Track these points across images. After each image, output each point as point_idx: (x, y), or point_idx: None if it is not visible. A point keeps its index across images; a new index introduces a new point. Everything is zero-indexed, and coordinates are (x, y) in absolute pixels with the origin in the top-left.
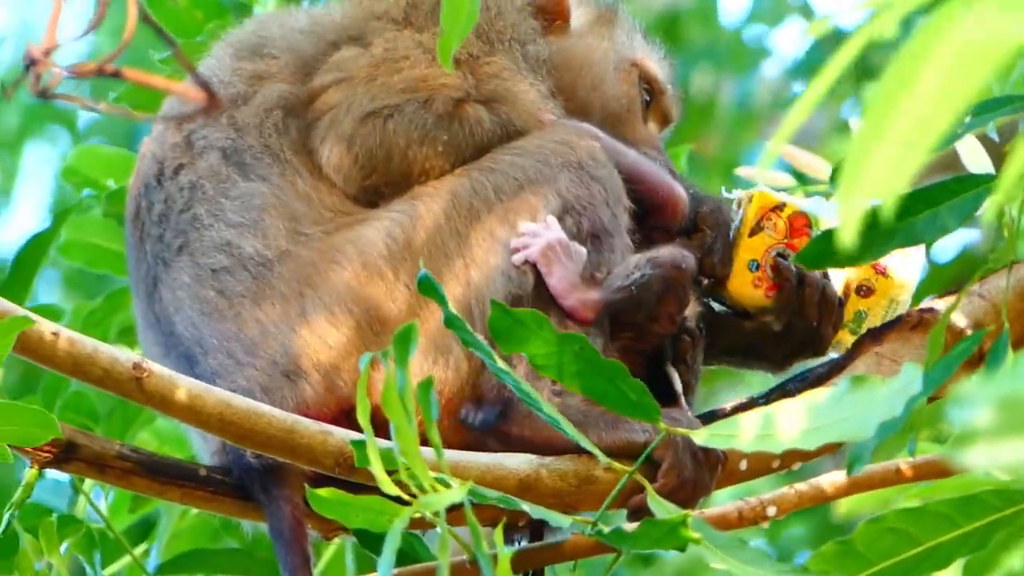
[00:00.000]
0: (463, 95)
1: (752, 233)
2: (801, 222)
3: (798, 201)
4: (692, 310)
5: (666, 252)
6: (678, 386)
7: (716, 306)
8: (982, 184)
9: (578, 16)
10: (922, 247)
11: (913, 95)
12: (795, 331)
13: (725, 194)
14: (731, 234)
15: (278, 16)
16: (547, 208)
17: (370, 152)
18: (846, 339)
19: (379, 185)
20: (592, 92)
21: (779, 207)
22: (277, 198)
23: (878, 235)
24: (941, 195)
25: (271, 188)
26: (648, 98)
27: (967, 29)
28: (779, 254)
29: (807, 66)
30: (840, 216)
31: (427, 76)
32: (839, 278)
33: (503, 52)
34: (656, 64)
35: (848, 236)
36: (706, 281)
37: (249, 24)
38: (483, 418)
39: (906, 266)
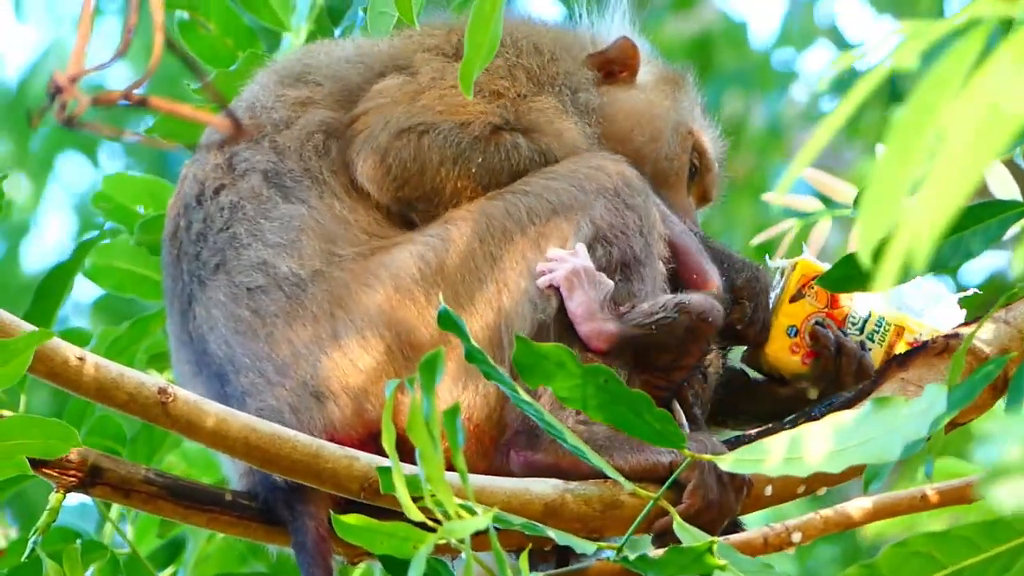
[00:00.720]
0: (502, 123)
1: (793, 299)
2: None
3: None
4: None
5: (696, 300)
6: (681, 419)
7: (751, 372)
8: (1008, 210)
9: (645, 72)
10: (950, 298)
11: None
12: (861, 398)
13: (769, 263)
14: (772, 300)
15: (325, 45)
16: (579, 235)
17: (404, 164)
18: None
19: (411, 198)
20: (648, 144)
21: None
22: (315, 220)
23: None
24: (967, 220)
25: (309, 210)
26: (694, 170)
27: (990, 89)
28: (818, 323)
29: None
30: (860, 240)
31: (468, 103)
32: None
33: (552, 95)
34: (710, 139)
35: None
36: (744, 348)
37: (296, 53)
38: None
39: (937, 314)
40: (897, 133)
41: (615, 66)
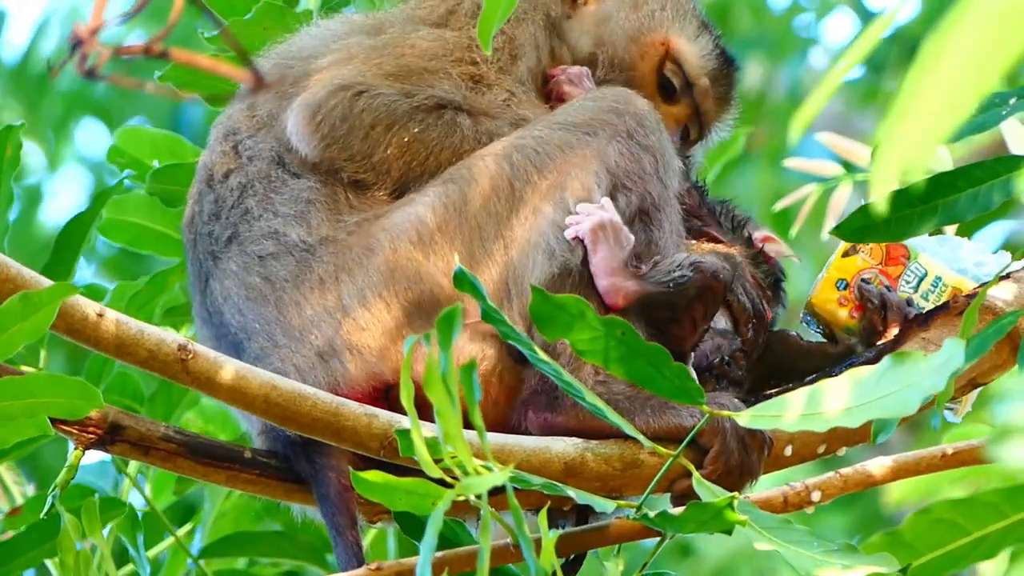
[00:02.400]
0: (447, 101)
1: (846, 254)
2: (899, 252)
3: None
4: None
5: (709, 260)
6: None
7: (808, 330)
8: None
9: None
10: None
11: (943, 64)
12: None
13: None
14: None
15: (320, 26)
16: (597, 184)
17: (332, 123)
18: None
19: (337, 159)
20: (605, 56)
21: None
22: (323, 193)
23: (920, 212)
24: (984, 175)
25: (317, 183)
26: (673, 88)
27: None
28: (864, 280)
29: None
30: (874, 186)
31: (422, 69)
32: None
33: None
34: (696, 49)
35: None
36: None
37: (295, 37)
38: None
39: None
40: (909, 77)
41: None
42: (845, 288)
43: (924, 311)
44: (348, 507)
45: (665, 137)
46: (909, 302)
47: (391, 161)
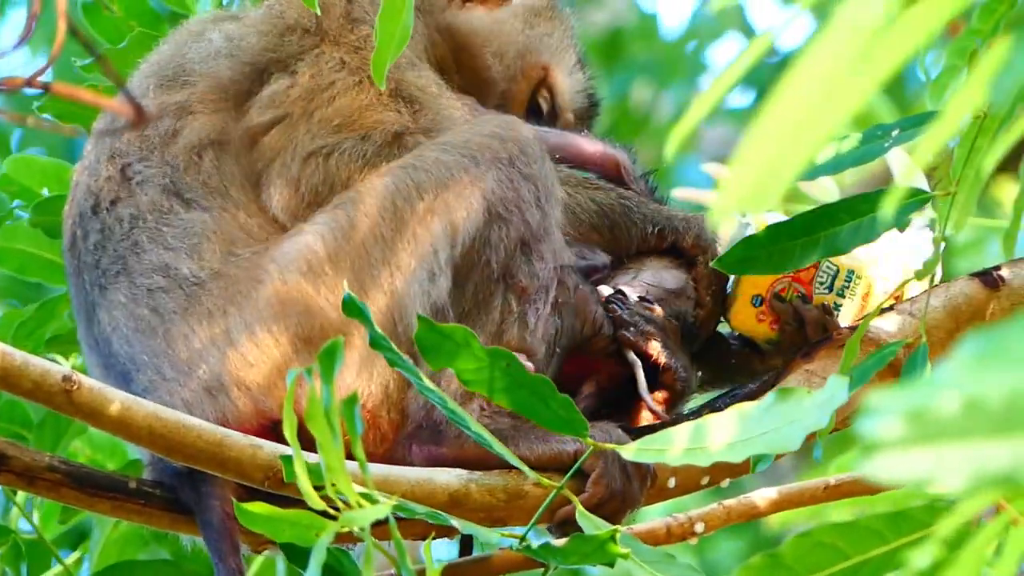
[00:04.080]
0: (402, 129)
1: None
2: None
3: None
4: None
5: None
6: (639, 375)
7: (733, 343)
8: (910, 198)
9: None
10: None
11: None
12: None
13: (739, 219)
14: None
15: (195, 36)
16: (470, 212)
17: (315, 189)
18: None
19: None
20: (490, 63)
21: None
22: (218, 225)
23: (802, 244)
24: (866, 206)
25: (212, 217)
26: (542, 112)
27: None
28: (776, 296)
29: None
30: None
31: (360, 107)
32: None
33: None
34: (569, 85)
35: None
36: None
37: (169, 46)
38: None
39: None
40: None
41: None
42: (761, 304)
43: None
44: (231, 535)
45: (548, 166)
46: (825, 308)
47: None
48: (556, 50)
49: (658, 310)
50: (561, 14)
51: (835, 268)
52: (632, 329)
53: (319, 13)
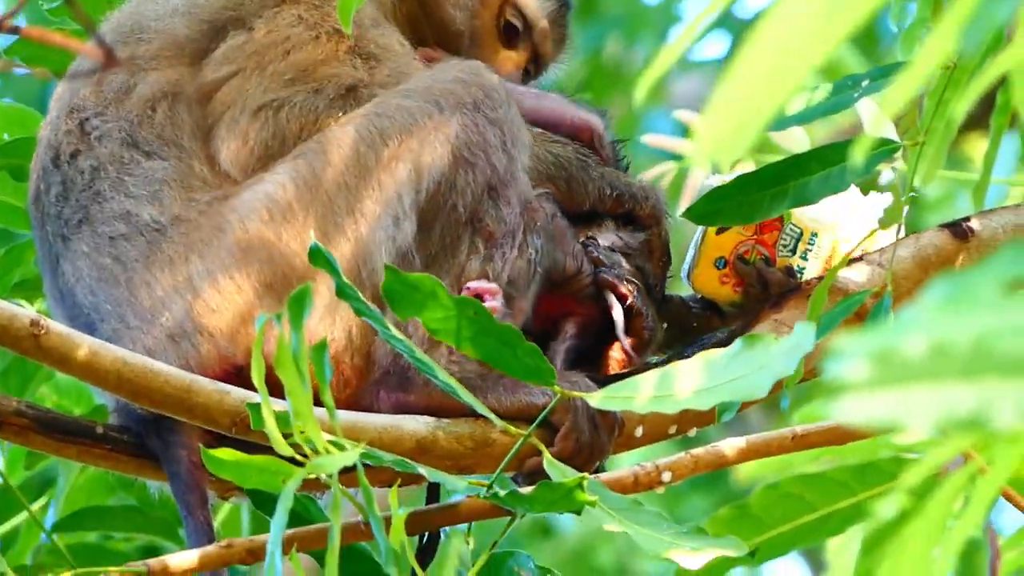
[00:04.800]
0: (355, 82)
1: (720, 230)
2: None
3: None
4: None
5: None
6: (618, 316)
7: (695, 306)
8: (879, 147)
9: None
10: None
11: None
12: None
13: (704, 181)
14: (699, 233)
15: None
16: (435, 157)
17: (265, 143)
18: None
19: None
20: (452, 23)
21: None
22: (177, 172)
23: (771, 194)
24: (836, 156)
25: (171, 165)
26: (516, 31)
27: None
28: (740, 257)
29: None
30: (695, 163)
31: (315, 62)
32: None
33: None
34: None
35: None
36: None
37: (128, 5)
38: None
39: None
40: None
41: None
42: (724, 266)
43: (796, 281)
44: (199, 485)
45: (514, 111)
46: (789, 270)
47: None
48: None
49: (623, 261)
50: None
51: (799, 231)
52: (611, 270)
53: None
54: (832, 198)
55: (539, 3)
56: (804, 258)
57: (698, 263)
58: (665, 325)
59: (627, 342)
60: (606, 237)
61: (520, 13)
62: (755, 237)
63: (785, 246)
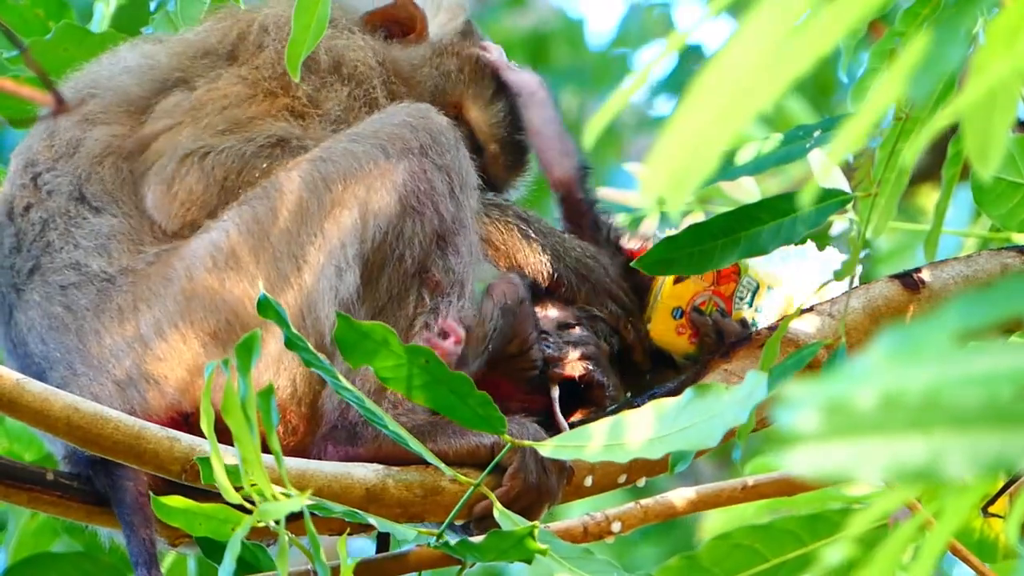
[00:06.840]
0: (286, 135)
1: (677, 280)
2: (729, 268)
3: None
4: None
5: (504, 289)
6: (554, 395)
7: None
8: (829, 198)
9: (441, 36)
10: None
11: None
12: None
13: (659, 235)
14: (656, 282)
15: (115, 55)
16: (381, 205)
17: (189, 188)
18: None
19: (198, 219)
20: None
21: None
22: (127, 225)
23: (722, 244)
24: (787, 207)
25: (119, 220)
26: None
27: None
28: (696, 309)
29: (670, 85)
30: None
31: (249, 116)
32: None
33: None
34: (487, 116)
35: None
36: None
37: (89, 66)
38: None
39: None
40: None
41: (397, 25)
42: (681, 316)
43: (750, 332)
44: (143, 509)
45: (463, 155)
46: (744, 323)
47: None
48: (467, 85)
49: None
50: (470, 47)
51: (755, 283)
52: (561, 363)
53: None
54: (788, 252)
55: (490, 127)
56: (759, 311)
57: (655, 313)
58: (628, 394)
59: (565, 426)
60: (564, 314)
61: (472, 133)
62: (712, 288)
63: (741, 298)
